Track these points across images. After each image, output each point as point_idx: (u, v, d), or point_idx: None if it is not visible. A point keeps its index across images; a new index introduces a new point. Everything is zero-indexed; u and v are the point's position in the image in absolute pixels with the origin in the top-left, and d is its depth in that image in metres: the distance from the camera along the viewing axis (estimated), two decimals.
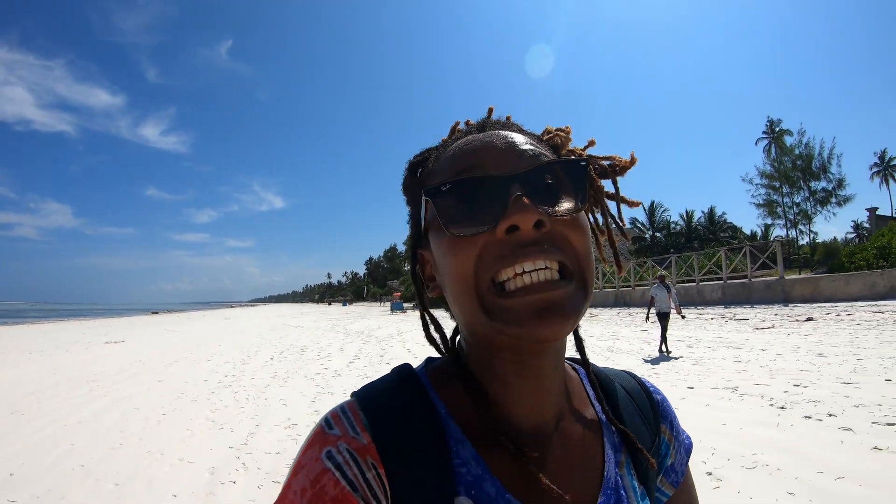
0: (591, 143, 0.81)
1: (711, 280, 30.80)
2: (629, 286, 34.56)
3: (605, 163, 0.79)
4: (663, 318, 13.71)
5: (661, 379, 9.79)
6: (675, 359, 12.13)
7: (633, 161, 0.77)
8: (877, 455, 5.20)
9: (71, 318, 79.24)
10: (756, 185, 48.95)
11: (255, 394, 10.40)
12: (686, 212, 65.68)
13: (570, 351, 0.81)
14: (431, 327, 0.78)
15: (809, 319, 17.55)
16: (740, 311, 22.42)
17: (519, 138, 0.70)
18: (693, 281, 31.24)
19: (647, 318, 15.00)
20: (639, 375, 0.89)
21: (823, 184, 45.23)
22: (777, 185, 46.78)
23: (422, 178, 0.76)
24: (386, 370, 6.74)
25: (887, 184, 67.39)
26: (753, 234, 49.96)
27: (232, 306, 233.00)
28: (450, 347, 0.76)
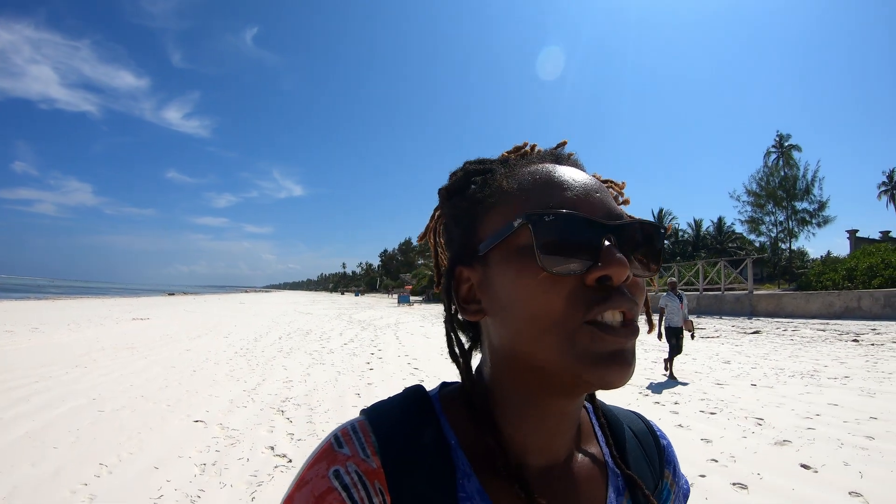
0: (626, 202, 0.84)
1: (688, 291, 33.38)
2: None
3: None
4: (674, 335, 11.70)
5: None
6: (684, 384, 10.60)
7: (669, 232, 0.77)
8: (680, 430, 8.17)
9: (90, 295, 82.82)
10: (742, 202, 51.87)
11: (263, 361, 13.49)
12: (694, 220, 67.92)
13: None
14: (457, 349, 0.76)
15: (756, 332, 19.98)
16: (704, 322, 25.10)
17: (601, 185, 0.71)
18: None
19: (660, 334, 11.93)
20: (646, 417, 0.91)
21: (805, 204, 48.26)
22: (763, 202, 49.55)
23: (481, 190, 0.73)
24: (377, 357, 10.30)
25: (895, 203, 69.18)
26: (762, 246, 52.29)
27: (247, 291, 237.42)
28: (473, 379, 0.74)
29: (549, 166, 0.71)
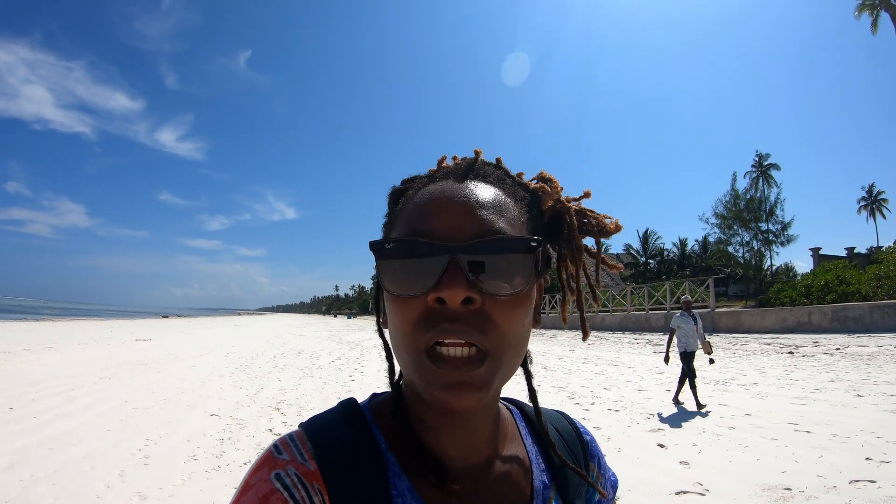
0: (586, 195, 0.86)
1: (657, 310, 35.62)
2: (642, 310, 37.61)
3: (588, 221, 0.87)
4: (688, 360, 10.83)
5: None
6: (704, 414, 9.86)
7: (618, 228, 0.84)
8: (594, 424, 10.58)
9: (86, 317, 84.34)
10: (711, 224, 55.76)
11: (261, 375, 15.86)
12: (679, 240, 69.72)
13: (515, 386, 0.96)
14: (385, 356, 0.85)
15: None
16: (662, 337, 27.57)
17: (486, 196, 0.72)
18: (643, 310, 36.32)
19: (667, 357, 11.49)
20: (569, 415, 1.00)
21: (770, 225, 52.25)
22: (730, 223, 53.34)
23: (401, 207, 0.78)
24: (360, 371, 13.08)
25: (874, 217, 71.88)
26: (747, 263, 54.62)
27: (240, 314, 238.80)
28: (394, 383, 0.84)
29: (435, 186, 0.75)
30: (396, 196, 0.83)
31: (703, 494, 5.72)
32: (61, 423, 9.10)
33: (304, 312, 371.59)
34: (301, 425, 0.78)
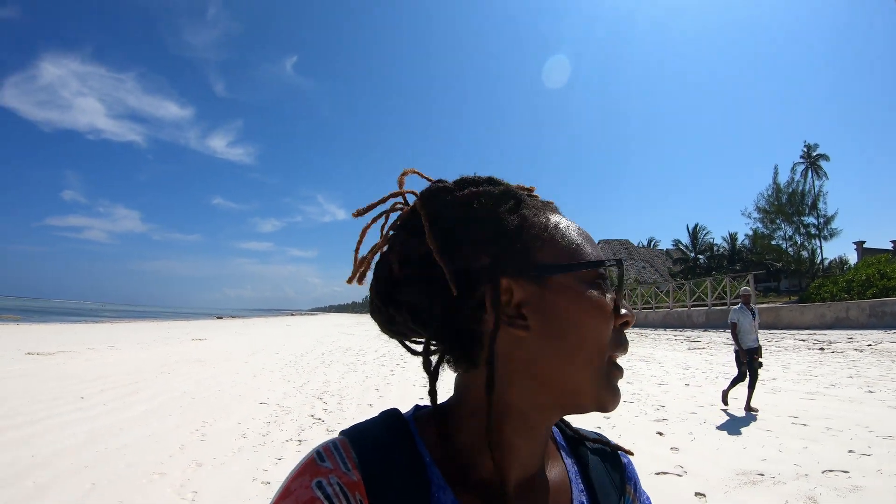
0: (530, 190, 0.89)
1: (698, 306, 35.78)
2: (684, 305, 37.82)
3: None
4: (749, 357, 10.22)
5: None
6: (753, 417, 9.41)
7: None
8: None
9: (144, 319, 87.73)
10: (753, 218, 55.13)
11: (308, 370, 17.12)
12: (729, 234, 68.76)
13: None
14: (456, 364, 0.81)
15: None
16: (704, 335, 27.67)
17: None
18: (685, 306, 36.55)
19: (741, 357, 10.34)
20: (606, 437, 1.00)
21: (812, 219, 51.65)
22: (773, 217, 52.79)
23: (533, 216, 0.78)
24: (401, 367, 14.33)
25: None
26: (799, 257, 53.77)
27: (292, 314, 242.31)
28: (436, 403, 0.81)
29: (567, 220, 0.81)
30: (510, 196, 0.79)
31: (680, 475, 6.41)
32: (128, 410, 10.42)
33: (356, 312, 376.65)
34: (343, 433, 0.76)
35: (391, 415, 0.80)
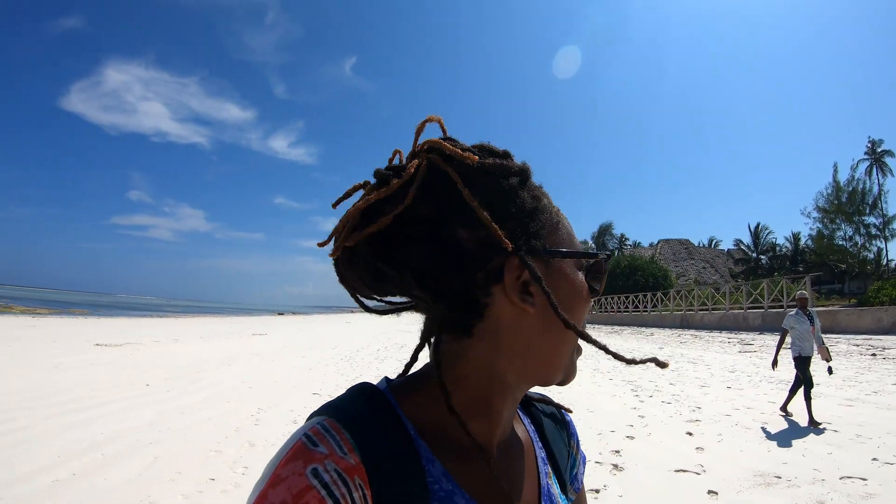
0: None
1: (755, 308, 34.95)
2: (740, 307, 36.90)
3: None
4: (802, 366, 9.48)
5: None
6: (820, 430, 8.63)
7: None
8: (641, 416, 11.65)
9: (206, 314, 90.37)
10: (812, 218, 53.69)
11: (362, 365, 17.67)
12: (792, 234, 67.05)
13: None
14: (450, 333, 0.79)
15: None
16: (758, 338, 27.06)
17: None
18: (742, 308, 35.78)
19: (775, 362, 10.19)
20: (550, 398, 1.06)
21: (873, 219, 50.12)
22: (833, 217, 51.28)
23: (545, 197, 0.81)
24: None
25: None
26: (864, 259, 51.94)
27: (353, 312, 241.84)
28: (442, 379, 0.76)
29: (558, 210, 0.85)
30: (523, 173, 0.78)
31: (698, 474, 6.50)
32: (189, 396, 11.12)
33: (411, 311, 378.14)
34: (326, 412, 0.72)
35: (367, 389, 0.78)
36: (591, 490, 5.92)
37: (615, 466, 6.74)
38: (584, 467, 1.06)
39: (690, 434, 8.41)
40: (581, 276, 0.80)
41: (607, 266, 0.86)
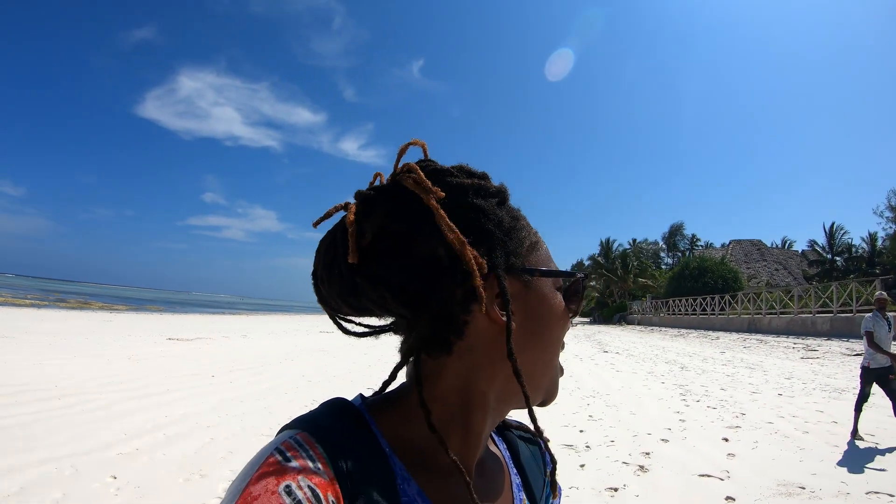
0: None
1: (823, 312, 33.36)
2: (809, 312, 35.48)
3: None
4: (869, 378, 8.61)
5: None
6: (863, 443, 8.25)
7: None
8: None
9: (277, 312, 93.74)
10: (885, 218, 51.89)
11: None
12: (869, 234, 63.97)
13: None
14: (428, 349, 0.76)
15: (858, 354, 19.90)
16: (825, 344, 25.76)
17: None
18: (810, 312, 34.25)
19: (867, 376, 8.64)
20: (525, 424, 1.01)
21: None
22: None
23: (522, 218, 0.82)
24: None
25: None
26: None
27: None
28: (423, 397, 0.74)
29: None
30: (502, 195, 0.81)
31: (721, 479, 6.52)
32: (251, 387, 11.89)
33: None
34: (298, 426, 0.70)
35: (341, 405, 0.77)
36: (610, 489, 6.13)
37: (640, 467, 6.92)
38: (560, 498, 1.02)
39: (726, 440, 8.40)
40: (559, 296, 0.82)
41: (585, 286, 0.88)
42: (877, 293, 9.65)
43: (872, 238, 63.56)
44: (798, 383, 14.33)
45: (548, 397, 0.82)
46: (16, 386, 10.06)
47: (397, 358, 0.80)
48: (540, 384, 0.79)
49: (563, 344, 0.83)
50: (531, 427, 0.90)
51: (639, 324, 63.95)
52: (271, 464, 0.61)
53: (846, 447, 8.09)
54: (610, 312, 74.95)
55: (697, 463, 7.17)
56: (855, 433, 8.45)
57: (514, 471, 0.93)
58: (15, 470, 5.79)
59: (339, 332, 0.84)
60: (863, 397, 8.60)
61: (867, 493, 6.12)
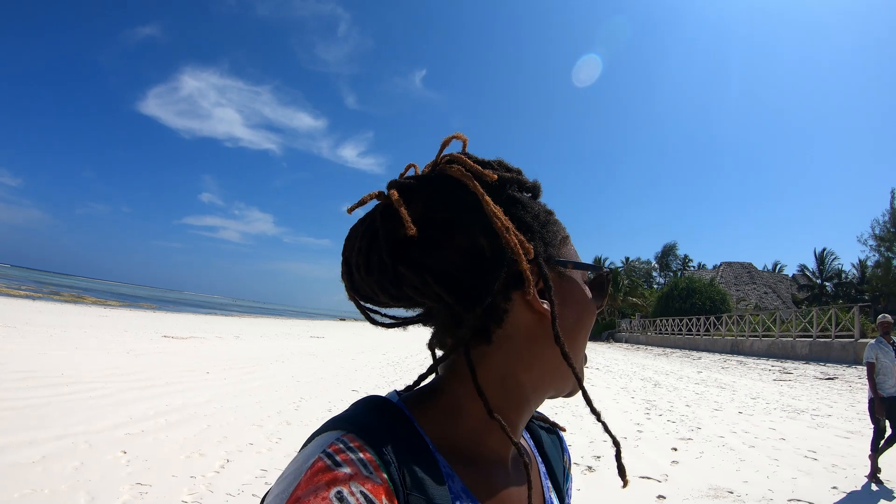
0: None
1: (803, 337, 33.91)
2: (790, 336, 35.90)
3: None
4: (887, 409, 7.77)
5: None
6: (879, 487, 7.47)
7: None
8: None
9: (269, 315, 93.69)
10: (869, 245, 52.51)
11: (407, 370, 19.09)
12: (859, 260, 65.21)
13: None
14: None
15: (829, 378, 21.37)
16: (800, 367, 26.58)
17: None
18: (790, 336, 34.87)
19: (877, 409, 7.80)
20: (544, 414, 1.04)
21: None
22: (889, 244, 50.06)
23: (552, 213, 0.85)
24: None
25: None
26: None
27: None
28: (478, 384, 0.74)
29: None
30: (538, 191, 0.85)
31: (659, 481, 7.19)
32: (243, 384, 12.78)
33: None
34: (341, 426, 0.67)
35: (380, 402, 0.75)
36: None
37: (589, 468, 7.65)
38: (572, 482, 1.05)
39: (675, 449, 9.09)
40: (588, 288, 0.82)
41: (610, 281, 0.88)
42: (880, 316, 8.66)
43: (862, 264, 64.44)
44: (762, 403, 15.13)
45: (577, 388, 0.81)
46: (24, 372, 10.92)
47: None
48: (568, 375, 0.79)
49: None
50: (546, 416, 1.03)
51: (626, 342, 64.54)
52: (320, 469, 0.60)
53: (786, 460, 8.61)
54: (598, 330, 75.02)
55: (641, 466, 7.89)
56: (872, 475, 7.62)
57: (540, 459, 0.94)
58: (35, 443, 6.64)
59: (369, 323, 0.84)
60: (878, 434, 7.80)
61: (790, 500, 6.69)
